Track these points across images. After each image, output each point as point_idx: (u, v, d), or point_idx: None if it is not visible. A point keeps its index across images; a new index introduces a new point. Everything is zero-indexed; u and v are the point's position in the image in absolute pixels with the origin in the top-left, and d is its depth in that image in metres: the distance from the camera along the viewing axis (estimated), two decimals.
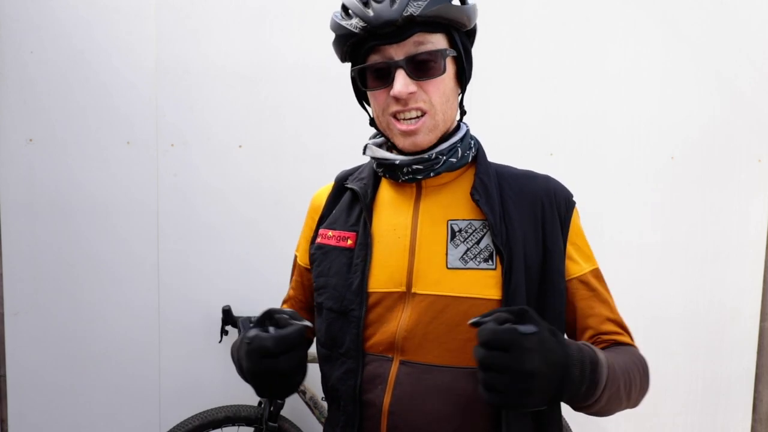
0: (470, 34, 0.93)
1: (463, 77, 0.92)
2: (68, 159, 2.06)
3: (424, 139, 0.87)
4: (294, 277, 1.09)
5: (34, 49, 2.03)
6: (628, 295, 2.13)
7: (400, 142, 0.88)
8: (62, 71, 2.04)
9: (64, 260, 2.08)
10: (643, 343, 2.16)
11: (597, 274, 0.92)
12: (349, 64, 0.94)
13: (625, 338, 0.91)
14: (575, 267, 0.90)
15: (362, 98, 0.98)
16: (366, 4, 0.83)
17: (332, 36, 0.90)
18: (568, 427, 1.95)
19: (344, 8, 0.88)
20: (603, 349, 0.87)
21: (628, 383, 0.78)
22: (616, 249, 2.14)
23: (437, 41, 0.85)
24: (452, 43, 0.87)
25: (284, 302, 1.11)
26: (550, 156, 2.11)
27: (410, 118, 0.86)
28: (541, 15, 2.09)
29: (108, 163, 2.08)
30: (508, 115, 2.10)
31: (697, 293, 2.17)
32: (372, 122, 0.99)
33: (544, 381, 0.63)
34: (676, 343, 2.18)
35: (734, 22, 2.10)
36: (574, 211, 0.93)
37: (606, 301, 0.91)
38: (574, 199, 0.94)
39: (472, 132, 0.98)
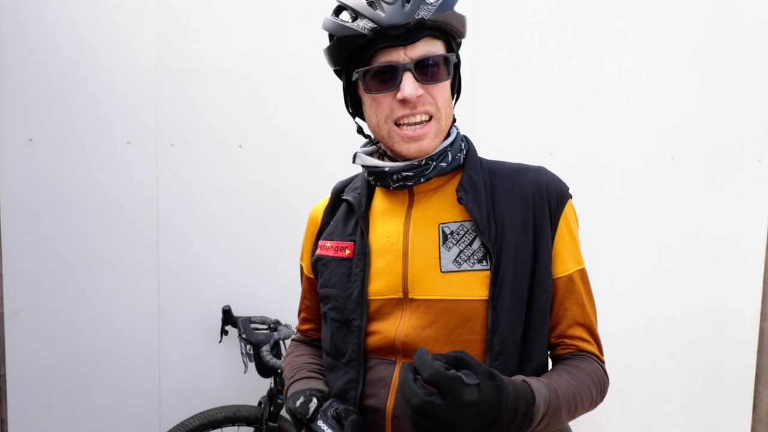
0: (459, 46, 0.93)
1: (456, 86, 0.93)
2: (68, 159, 2.06)
3: (431, 144, 0.86)
4: (303, 285, 1.09)
5: (34, 49, 2.03)
6: (628, 295, 2.13)
7: (404, 148, 0.86)
8: (62, 71, 2.04)
9: (64, 260, 2.08)
10: (644, 343, 2.17)
11: (582, 274, 0.91)
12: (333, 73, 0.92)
13: (589, 346, 0.90)
14: (558, 267, 0.88)
15: (353, 107, 0.96)
16: (373, 5, 0.83)
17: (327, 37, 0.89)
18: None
19: (341, 9, 0.87)
20: (561, 358, 0.89)
21: (572, 407, 0.80)
22: (616, 249, 2.14)
23: (440, 47, 0.86)
24: (450, 51, 0.88)
25: (300, 311, 1.12)
26: (550, 156, 2.11)
27: (415, 123, 0.85)
28: (542, 15, 2.09)
29: (108, 163, 2.07)
30: (509, 115, 2.10)
31: (697, 293, 2.17)
32: (360, 131, 0.98)
33: (470, 429, 0.66)
34: (676, 343, 2.18)
35: (734, 22, 2.10)
36: (567, 204, 0.90)
37: (582, 305, 0.89)
38: (570, 191, 0.91)
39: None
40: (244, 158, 2.10)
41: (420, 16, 0.80)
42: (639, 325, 2.14)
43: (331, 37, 0.88)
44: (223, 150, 2.09)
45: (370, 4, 0.83)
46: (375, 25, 0.81)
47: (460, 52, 0.93)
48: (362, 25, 0.82)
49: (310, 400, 0.85)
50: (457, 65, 0.91)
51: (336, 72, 0.95)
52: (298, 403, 0.85)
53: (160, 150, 2.08)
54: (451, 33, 0.87)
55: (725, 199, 2.15)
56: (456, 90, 0.94)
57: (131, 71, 2.05)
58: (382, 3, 0.82)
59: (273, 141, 2.10)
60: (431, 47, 0.84)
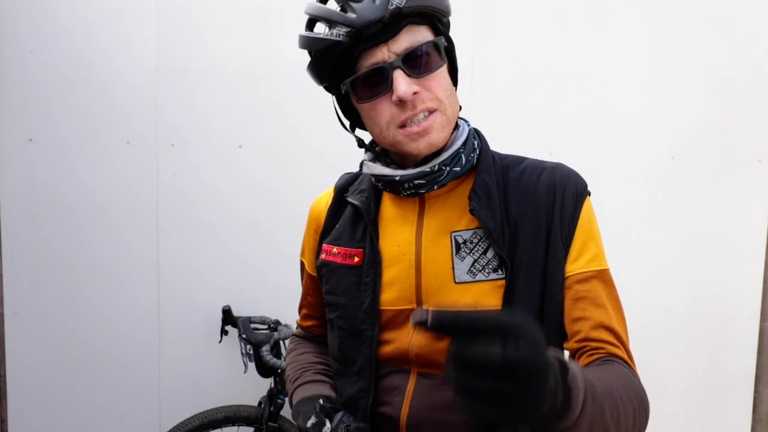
0: (447, 26, 0.86)
1: (453, 70, 0.87)
2: (68, 159, 2.06)
3: (439, 136, 0.80)
4: (305, 282, 1.05)
5: (34, 49, 2.02)
6: (628, 294, 2.12)
7: (413, 147, 0.80)
8: (62, 71, 2.04)
9: (64, 260, 2.08)
10: (644, 342, 2.17)
11: (603, 276, 0.83)
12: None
13: (619, 351, 0.79)
14: (573, 265, 0.82)
15: (351, 120, 0.91)
16: (342, 8, 0.77)
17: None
18: None
19: (313, 22, 0.81)
20: (588, 364, 0.78)
21: (615, 409, 0.64)
22: (616, 249, 2.13)
23: (426, 34, 0.80)
24: (437, 34, 0.81)
25: (302, 308, 1.08)
26: (550, 156, 2.11)
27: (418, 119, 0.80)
28: (541, 15, 2.09)
29: (108, 163, 2.07)
30: (508, 114, 2.10)
31: (697, 293, 2.17)
32: (360, 143, 0.93)
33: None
34: (676, 343, 2.18)
35: (734, 22, 2.09)
36: (585, 203, 0.84)
37: (603, 306, 0.81)
38: (588, 189, 0.86)
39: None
40: (244, 158, 2.10)
41: (394, 6, 0.74)
42: (639, 325, 2.13)
43: (310, 54, 0.82)
44: (223, 150, 2.09)
45: (341, 8, 0.77)
46: (349, 29, 0.75)
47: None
48: (335, 32, 0.77)
49: (323, 424, 0.82)
50: (451, 48, 0.84)
51: (326, 89, 0.90)
52: (309, 424, 0.82)
53: (160, 150, 2.08)
54: (434, 15, 0.80)
55: (725, 199, 2.15)
56: (454, 75, 0.87)
57: (131, 71, 2.05)
58: (351, 3, 0.76)
59: (273, 141, 2.10)
60: (415, 36, 0.78)
